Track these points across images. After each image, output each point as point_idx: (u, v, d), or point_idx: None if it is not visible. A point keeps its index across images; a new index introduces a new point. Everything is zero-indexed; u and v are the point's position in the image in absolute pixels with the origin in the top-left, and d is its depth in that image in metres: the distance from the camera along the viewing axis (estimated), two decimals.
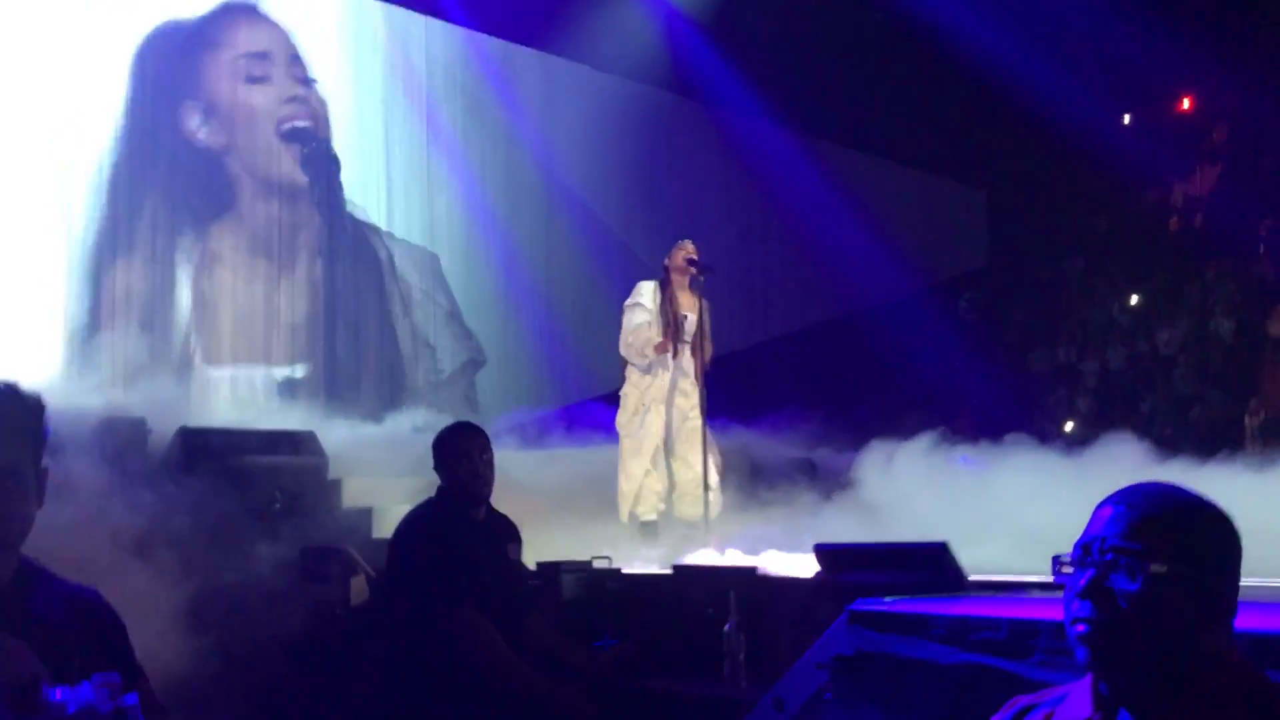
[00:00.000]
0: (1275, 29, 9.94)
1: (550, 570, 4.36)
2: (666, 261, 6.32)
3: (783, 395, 10.09)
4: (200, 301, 8.28)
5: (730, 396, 7.62)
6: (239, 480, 5.38)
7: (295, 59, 8.93)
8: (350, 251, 9.18)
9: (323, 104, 9.04)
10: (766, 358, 11.13)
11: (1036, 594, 2.90)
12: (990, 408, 9.71)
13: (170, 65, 8.36)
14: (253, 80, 8.57)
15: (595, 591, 4.34)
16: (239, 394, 8.25)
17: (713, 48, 11.13)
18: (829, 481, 6.92)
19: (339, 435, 7.03)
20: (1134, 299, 10.68)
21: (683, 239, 6.36)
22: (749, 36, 11.00)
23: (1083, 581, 1.46)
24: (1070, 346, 10.97)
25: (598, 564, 4.50)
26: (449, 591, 3.32)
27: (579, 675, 3.70)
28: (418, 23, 10.01)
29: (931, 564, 3.09)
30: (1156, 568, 1.41)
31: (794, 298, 11.98)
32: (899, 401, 9.67)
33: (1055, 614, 1.92)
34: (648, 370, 6.16)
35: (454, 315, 9.84)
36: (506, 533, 3.72)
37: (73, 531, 4.73)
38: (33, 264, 7.63)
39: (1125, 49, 9.99)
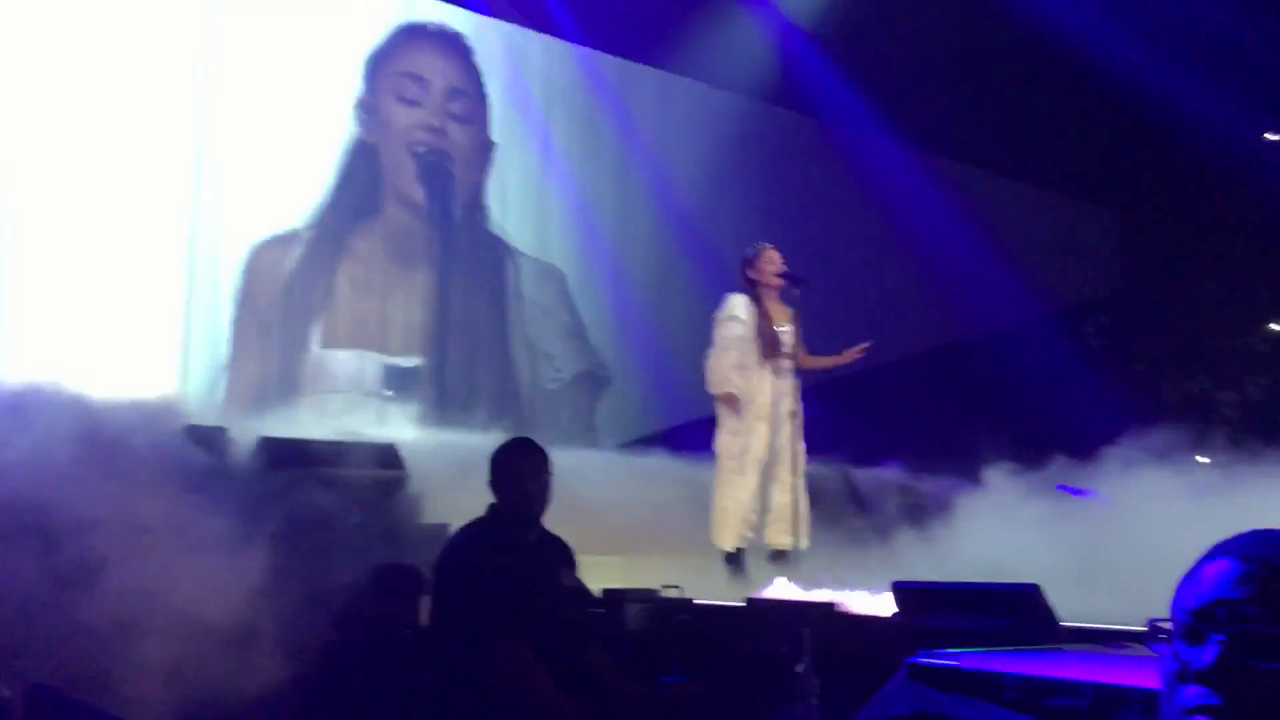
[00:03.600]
0: None
1: (614, 599, 4.12)
2: (751, 274, 5.99)
3: (892, 422, 9.72)
4: (326, 295, 8.42)
5: (836, 422, 7.31)
6: (316, 492, 5.26)
7: (455, 92, 9.27)
8: (471, 266, 9.28)
9: (464, 134, 9.28)
10: (879, 383, 10.75)
11: (1138, 650, 2.54)
12: (1116, 440, 9.16)
13: (349, 67, 8.73)
14: (404, 101, 8.95)
15: (662, 623, 4.08)
16: (343, 382, 8.33)
17: (831, 63, 10.86)
18: (934, 514, 6.56)
19: (433, 445, 6.93)
20: (1275, 326, 10.00)
21: (761, 243, 6.05)
22: (869, 51, 10.70)
23: (1208, 659, 1.12)
24: (1205, 375, 10.33)
25: (666, 593, 4.23)
26: (491, 619, 3.11)
27: (639, 714, 3.45)
28: (535, 41, 9.99)
29: (1020, 609, 2.76)
30: None
31: (911, 321, 11.57)
32: (1017, 431, 9.19)
33: (1151, 681, 1.59)
34: (732, 391, 5.86)
35: (575, 332, 9.79)
36: (559, 556, 3.49)
37: (148, 537, 4.71)
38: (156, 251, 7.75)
39: (1270, 63, 9.39)
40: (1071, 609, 3.15)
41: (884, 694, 2.28)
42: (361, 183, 8.71)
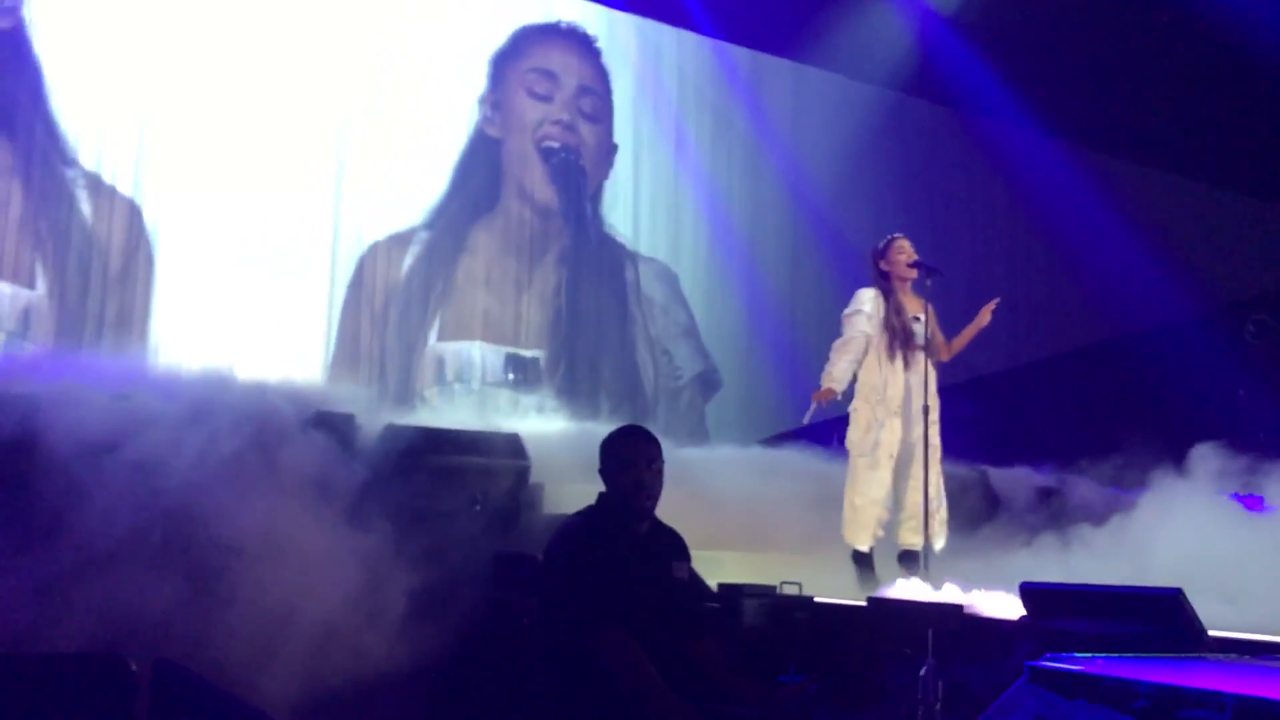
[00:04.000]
0: None
1: (731, 594, 4.00)
2: (884, 265, 5.79)
3: (1037, 423, 9.35)
4: (448, 287, 8.50)
5: (976, 422, 7.05)
6: (440, 479, 5.30)
7: (585, 90, 9.36)
8: (595, 263, 9.30)
9: (592, 137, 9.36)
10: (1026, 382, 10.38)
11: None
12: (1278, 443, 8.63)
13: (477, 66, 8.88)
14: (533, 95, 9.03)
15: (780, 620, 3.95)
16: (468, 371, 8.42)
17: (974, 52, 10.52)
18: (1080, 517, 6.25)
19: (555, 436, 6.94)
20: None
21: (893, 234, 5.85)
22: (1013, 39, 10.33)
23: None
24: None
25: (786, 589, 4.10)
26: (598, 609, 3.03)
27: (754, 712, 3.33)
28: (669, 35, 9.94)
29: (1161, 615, 2.55)
30: None
31: (1060, 319, 11.15)
32: (1170, 433, 8.74)
33: None
34: (881, 381, 5.68)
35: (691, 331, 9.73)
36: (672, 549, 3.39)
37: (281, 522, 4.81)
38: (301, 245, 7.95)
39: None
40: (1227, 620, 2.93)
41: (1004, 700, 2.12)
42: (482, 177, 8.81)
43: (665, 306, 9.69)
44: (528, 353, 8.76)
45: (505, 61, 8.99)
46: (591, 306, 9.21)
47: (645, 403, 9.28)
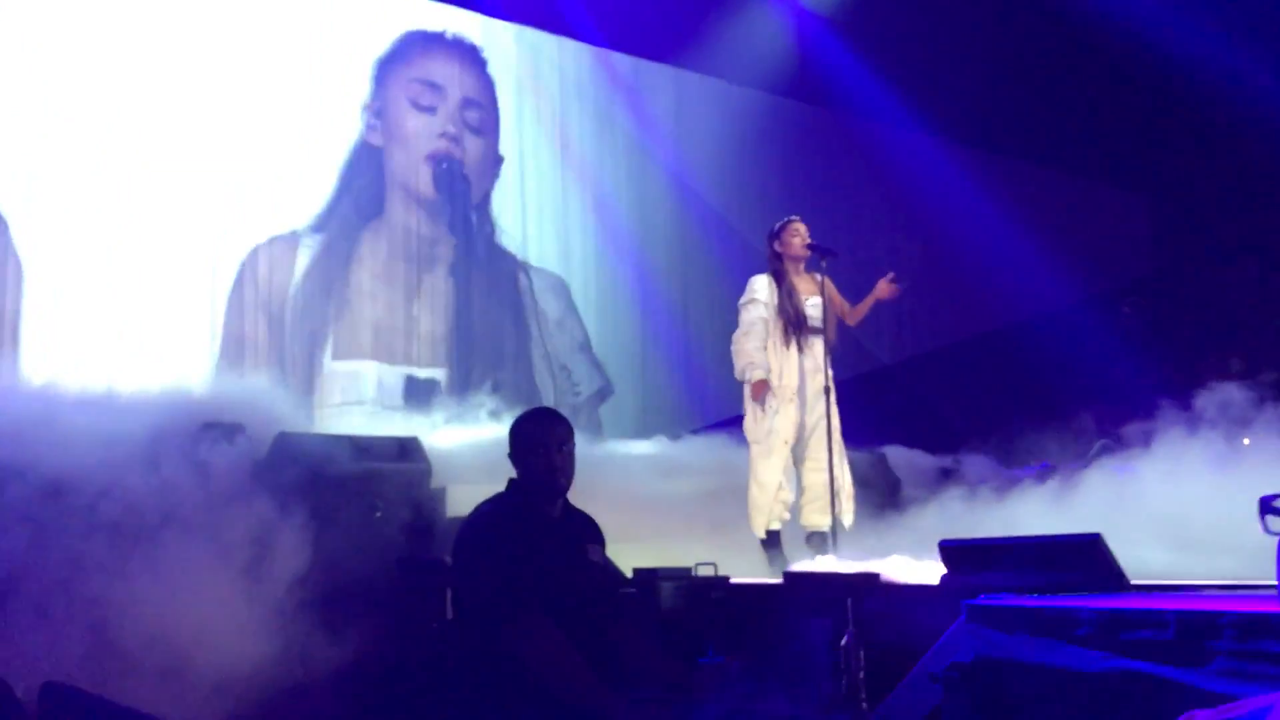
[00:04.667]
0: None
1: (647, 577, 3.94)
2: (778, 247, 5.80)
3: (932, 410, 9.51)
4: (340, 300, 8.32)
5: (875, 412, 7.13)
6: (338, 486, 5.13)
7: (469, 103, 9.23)
8: (486, 275, 9.19)
9: (477, 145, 9.23)
10: (916, 374, 10.56)
11: (1213, 595, 2.34)
12: (1156, 420, 8.93)
13: (359, 70, 8.70)
14: (418, 106, 8.91)
15: (697, 602, 3.90)
16: (363, 392, 8.22)
17: (850, 53, 10.69)
18: (977, 494, 6.37)
19: (453, 441, 6.81)
20: None
21: (790, 218, 5.87)
22: (889, 39, 10.53)
23: None
24: (1243, 356, 10.04)
25: (701, 571, 4.05)
26: (514, 594, 2.94)
27: (676, 694, 3.27)
28: (549, 42, 9.88)
29: (1082, 560, 2.56)
30: None
31: (944, 312, 11.38)
32: (1057, 414, 8.99)
33: (1241, 609, 1.41)
34: (761, 376, 5.67)
35: (584, 345, 9.68)
36: (585, 532, 3.31)
37: (170, 536, 4.61)
38: (187, 250, 7.66)
39: None
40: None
41: (942, 642, 2.09)
42: (364, 184, 8.63)
43: (560, 320, 9.62)
44: (423, 373, 8.58)
45: (388, 68, 8.82)
46: (485, 320, 9.10)
47: None
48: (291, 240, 8.18)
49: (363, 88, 8.67)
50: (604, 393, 9.75)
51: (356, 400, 8.18)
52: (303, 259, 8.20)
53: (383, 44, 8.83)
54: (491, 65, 9.47)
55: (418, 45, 9.03)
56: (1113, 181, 12.20)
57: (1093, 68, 10.29)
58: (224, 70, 7.84)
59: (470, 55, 9.33)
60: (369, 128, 8.64)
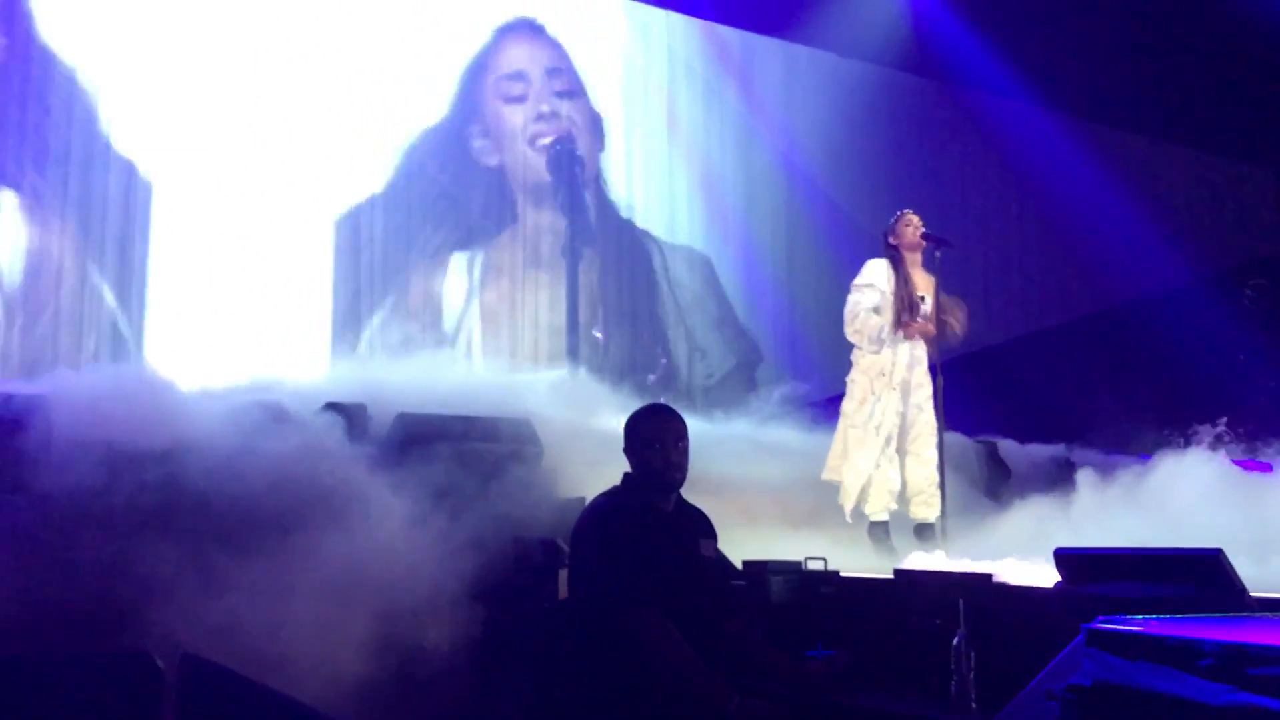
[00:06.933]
0: None
1: (757, 571, 3.99)
2: (893, 239, 5.77)
3: (1041, 393, 9.36)
4: (485, 313, 8.62)
5: (981, 393, 7.04)
6: (453, 466, 5.26)
7: (553, 72, 9.33)
8: (617, 253, 9.36)
9: (576, 114, 9.35)
10: (1025, 354, 10.38)
11: None
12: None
13: (464, 92, 8.98)
14: (510, 100, 9.07)
15: (807, 596, 3.93)
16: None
17: (966, 27, 10.49)
18: (1088, 486, 6.25)
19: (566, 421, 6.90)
20: None
21: (903, 210, 5.83)
22: (1005, 13, 10.30)
23: None
24: None
25: (811, 565, 4.09)
26: (629, 588, 3.01)
27: (785, 688, 3.32)
28: (658, 17, 9.88)
29: (1202, 576, 2.54)
30: None
31: (1058, 290, 11.16)
32: (1174, 400, 8.76)
33: None
34: (878, 354, 5.66)
35: (726, 320, 9.70)
36: (699, 527, 3.37)
37: (291, 512, 4.78)
38: (308, 272, 8.00)
39: None
40: (1250, 582, 2.92)
41: (1059, 662, 2.11)
42: (496, 205, 8.87)
43: (698, 295, 9.67)
44: (568, 369, 8.65)
45: (482, 82, 8.99)
46: (622, 301, 9.25)
47: (686, 398, 9.17)
48: (439, 257, 8.45)
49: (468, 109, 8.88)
50: (749, 364, 9.76)
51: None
52: (444, 276, 8.51)
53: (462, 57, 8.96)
54: (599, 45, 9.51)
55: (490, 44, 9.15)
56: (1237, 154, 11.79)
57: (1215, 36, 9.94)
58: (363, 93, 8.17)
59: (526, 27, 9.36)
60: (479, 150, 8.87)
